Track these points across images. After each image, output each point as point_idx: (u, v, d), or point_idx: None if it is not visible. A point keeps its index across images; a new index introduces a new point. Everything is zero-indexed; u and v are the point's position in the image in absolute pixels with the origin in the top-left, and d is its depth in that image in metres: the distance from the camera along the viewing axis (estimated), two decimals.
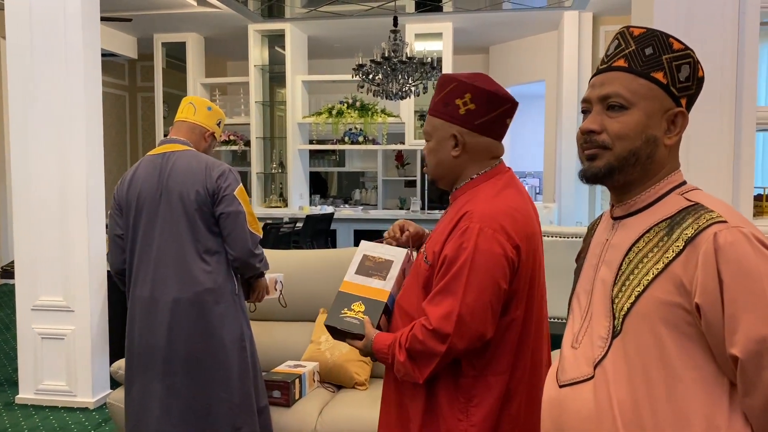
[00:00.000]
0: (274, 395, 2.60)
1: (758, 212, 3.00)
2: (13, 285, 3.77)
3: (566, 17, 6.97)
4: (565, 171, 7.15)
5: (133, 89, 9.71)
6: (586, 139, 1.12)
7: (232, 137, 7.97)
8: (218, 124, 2.51)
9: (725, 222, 1.00)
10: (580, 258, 1.27)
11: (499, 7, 6.77)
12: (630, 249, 1.10)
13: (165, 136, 8.39)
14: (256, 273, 2.50)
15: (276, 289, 2.74)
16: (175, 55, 8.17)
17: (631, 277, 1.07)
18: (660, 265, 1.04)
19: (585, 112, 1.15)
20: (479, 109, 1.53)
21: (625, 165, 1.10)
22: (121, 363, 2.79)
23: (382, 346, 1.54)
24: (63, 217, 3.61)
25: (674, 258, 1.02)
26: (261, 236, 2.42)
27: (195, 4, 6.71)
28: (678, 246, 1.02)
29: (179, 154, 2.37)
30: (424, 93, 6.09)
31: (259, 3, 6.88)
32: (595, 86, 1.14)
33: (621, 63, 1.12)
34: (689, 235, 1.02)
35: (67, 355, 3.66)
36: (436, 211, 7.66)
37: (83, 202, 3.60)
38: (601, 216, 1.29)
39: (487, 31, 7.77)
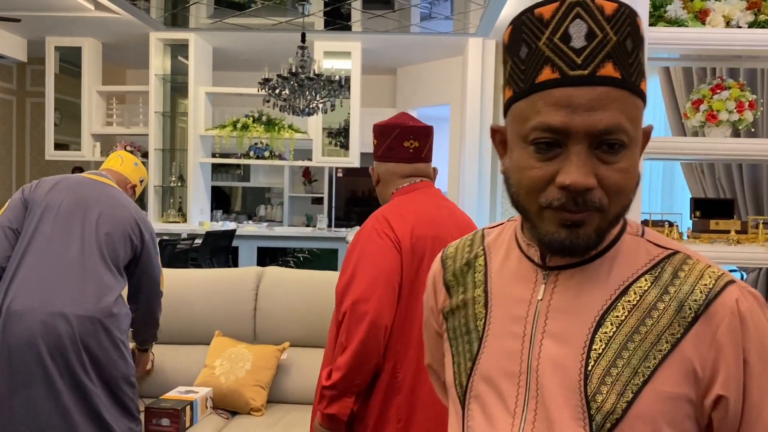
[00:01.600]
0: (163, 423, 2.45)
1: None
2: None
3: (471, 43, 7.17)
4: (468, 190, 7.33)
5: (22, 94, 9.08)
6: (574, 199, 0.73)
7: (129, 148, 7.60)
8: (141, 181, 2.62)
9: (734, 281, 0.75)
10: (459, 315, 0.89)
11: (407, 30, 6.87)
12: (602, 320, 0.77)
13: (55, 144, 7.85)
14: (152, 334, 2.56)
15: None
16: (70, 59, 7.72)
17: (619, 363, 0.74)
18: (665, 346, 0.74)
19: (546, 144, 0.74)
20: (378, 142, 1.86)
21: (612, 226, 0.77)
22: None
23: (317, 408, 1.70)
24: None
25: (683, 335, 0.74)
26: (163, 293, 2.50)
27: (92, 8, 6.37)
28: (685, 318, 0.74)
29: (116, 190, 2.40)
30: (331, 111, 6.07)
31: (162, 11, 6.63)
32: (576, 108, 0.72)
33: (610, 70, 0.72)
34: (700, 302, 0.74)
35: None
36: (343, 229, 7.61)
37: None
38: (471, 245, 0.92)
39: (395, 53, 7.88)
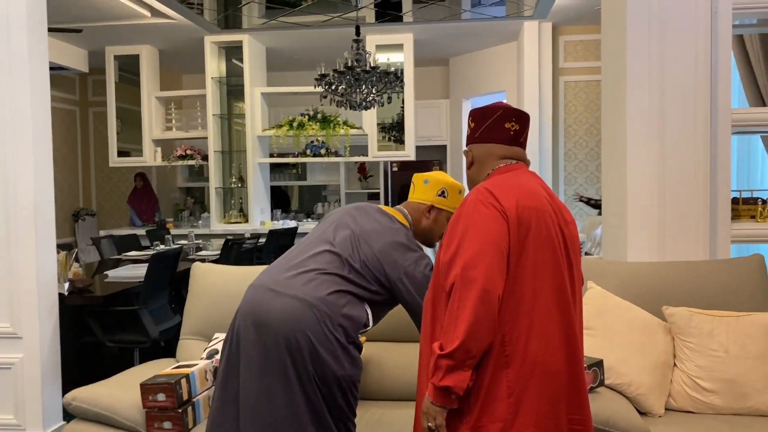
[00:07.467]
0: (159, 399, 2.29)
1: (735, 216, 2.97)
2: None
3: (526, 27, 6.99)
4: None
5: (85, 104, 9.37)
6: None
7: (188, 152, 7.74)
8: (441, 194, 2.32)
9: None
10: None
11: (458, 17, 6.75)
12: None
13: (118, 152, 8.01)
14: None
15: None
16: (128, 68, 7.91)
17: None
18: None
19: None
20: (476, 125, 1.87)
21: None
22: (75, 393, 2.58)
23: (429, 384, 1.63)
24: (9, 237, 3.36)
25: None
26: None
27: (149, 15, 6.49)
28: None
29: (378, 214, 2.32)
30: (388, 103, 6.01)
31: (216, 13, 6.70)
32: None
33: None
34: None
35: (14, 386, 3.39)
36: None
37: (31, 221, 3.36)
38: None
39: (447, 42, 7.76)
